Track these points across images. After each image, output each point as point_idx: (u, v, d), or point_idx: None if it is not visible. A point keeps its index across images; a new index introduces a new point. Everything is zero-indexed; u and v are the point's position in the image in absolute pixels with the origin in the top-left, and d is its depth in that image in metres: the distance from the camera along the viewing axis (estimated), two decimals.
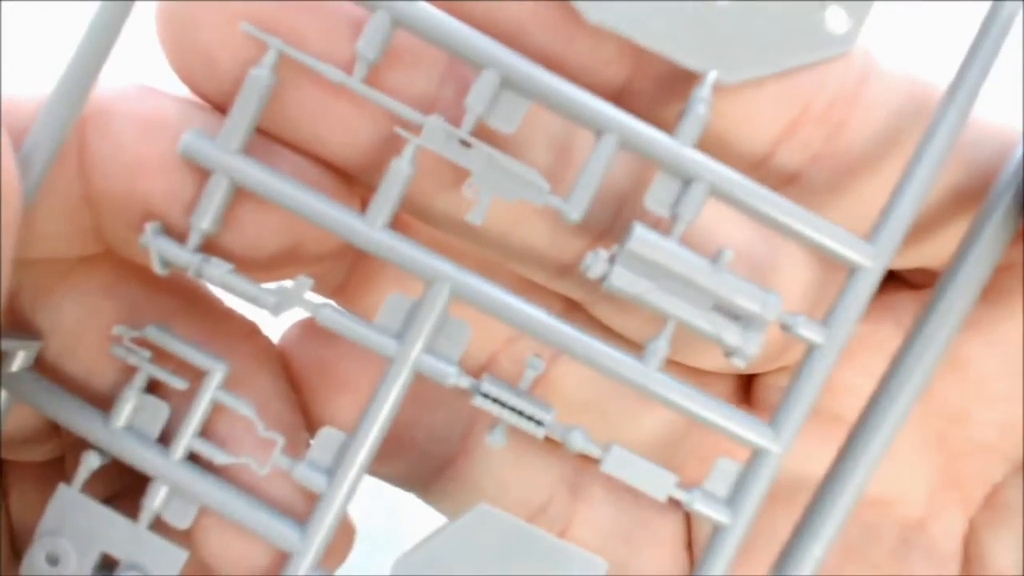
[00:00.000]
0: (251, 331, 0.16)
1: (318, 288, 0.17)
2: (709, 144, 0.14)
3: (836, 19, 0.13)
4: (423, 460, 0.17)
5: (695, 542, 0.18)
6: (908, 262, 0.15)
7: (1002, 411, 0.16)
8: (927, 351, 0.13)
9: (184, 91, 0.14)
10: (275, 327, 0.17)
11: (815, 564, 0.13)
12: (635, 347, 0.16)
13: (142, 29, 0.14)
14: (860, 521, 0.17)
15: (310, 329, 0.17)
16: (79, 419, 0.14)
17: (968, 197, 0.14)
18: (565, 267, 0.15)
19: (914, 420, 0.16)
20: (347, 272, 0.17)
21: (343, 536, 0.15)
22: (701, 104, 0.13)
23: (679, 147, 0.13)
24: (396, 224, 0.14)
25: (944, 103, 0.13)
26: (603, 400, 0.17)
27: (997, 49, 0.13)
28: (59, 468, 0.17)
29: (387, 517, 0.25)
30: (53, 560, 0.14)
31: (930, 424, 0.16)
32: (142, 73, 0.14)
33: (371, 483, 0.17)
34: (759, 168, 0.14)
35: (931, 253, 0.15)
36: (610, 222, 0.15)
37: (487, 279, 0.13)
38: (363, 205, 0.15)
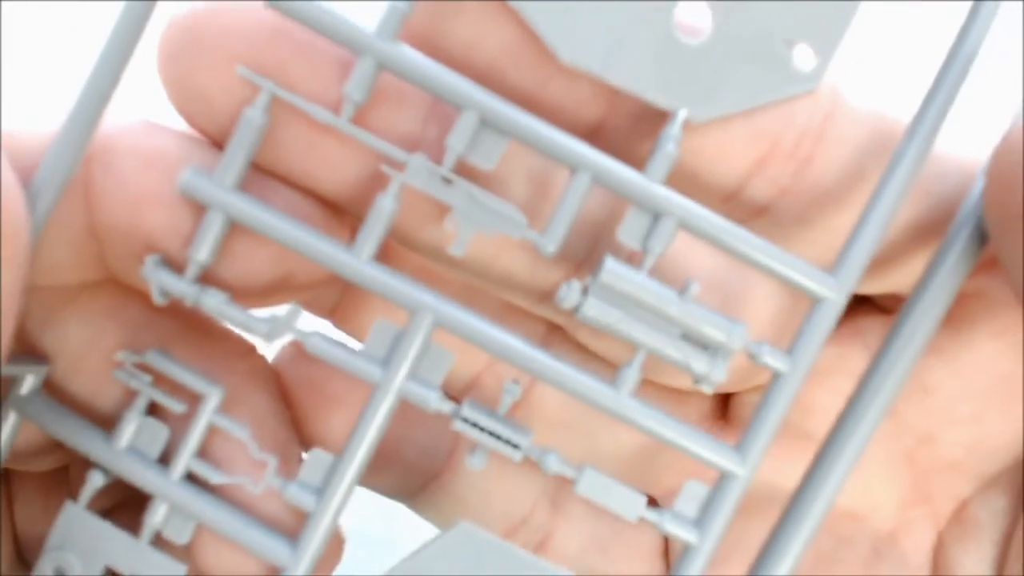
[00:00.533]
0: (247, 350, 0.17)
1: (313, 309, 0.18)
2: (682, 179, 0.15)
3: (803, 57, 0.14)
4: (411, 474, 0.18)
5: (671, 550, 0.18)
6: (876, 288, 0.16)
7: (968, 432, 0.16)
8: (891, 373, 0.14)
9: (184, 125, 0.15)
10: (270, 346, 0.18)
11: (788, 571, 0.14)
12: (613, 367, 0.17)
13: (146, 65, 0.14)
14: (834, 533, 0.17)
15: (303, 349, 0.17)
16: (84, 440, 0.15)
17: (931, 227, 0.15)
18: (545, 294, 0.16)
19: (885, 440, 0.17)
20: (339, 294, 0.18)
21: (333, 548, 0.16)
22: (670, 142, 0.13)
23: (649, 184, 0.13)
24: (384, 250, 0.15)
25: (904, 143, 0.14)
26: (582, 417, 0.18)
27: (957, 88, 0.14)
28: (62, 478, 0.17)
29: (384, 522, 0.26)
30: (60, 574, 0.15)
31: (900, 444, 0.17)
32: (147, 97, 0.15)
33: (359, 502, 0.18)
34: (730, 201, 0.15)
35: (898, 280, 0.16)
36: (587, 253, 0.15)
37: (468, 309, 0.14)
38: (352, 232, 0.16)
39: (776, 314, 0.16)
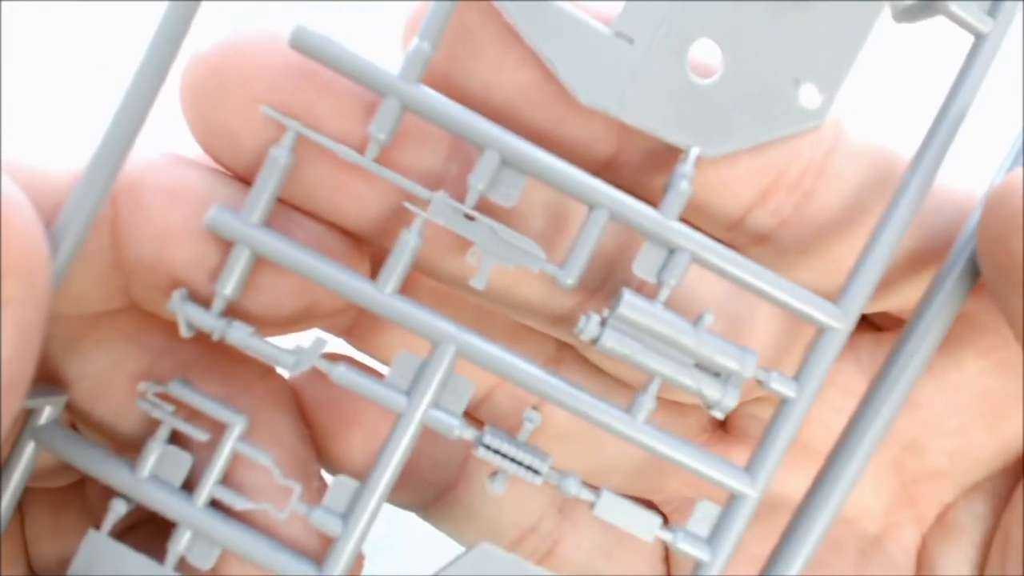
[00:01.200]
0: (266, 371, 0.17)
1: (329, 329, 0.18)
2: (689, 207, 0.15)
3: (809, 96, 0.14)
4: (426, 486, 0.19)
5: (671, 554, 0.19)
6: (873, 308, 0.17)
7: (952, 443, 0.17)
8: (891, 395, 0.15)
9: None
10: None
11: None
12: (619, 382, 0.18)
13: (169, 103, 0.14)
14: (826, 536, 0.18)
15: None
16: (106, 469, 0.15)
17: (925, 256, 0.16)
18: (559, 318, 0.16)
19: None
20: (355, 316, 0.18)
21: (355, 565, 0.16)
22: (684, 180, 0.14)
23: (664, 220, 0.14)
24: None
25: (905, 182, 0.14)
26: (591, 429, 0.18)
27: (955, 132, 0.14)
28: (72, 494, 0.18)
29: (388, 525, 0.27)
30: None
31: (889, 452, 0.18)
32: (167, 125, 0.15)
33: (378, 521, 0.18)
34: (734, 229, 0.15)
35: (892, 302, 0.16)
36: (601, 281, 0.16)
37: (488, 339, 0.14)
38: (373, 261, 0.16)
39: (780, 334, 0.16)
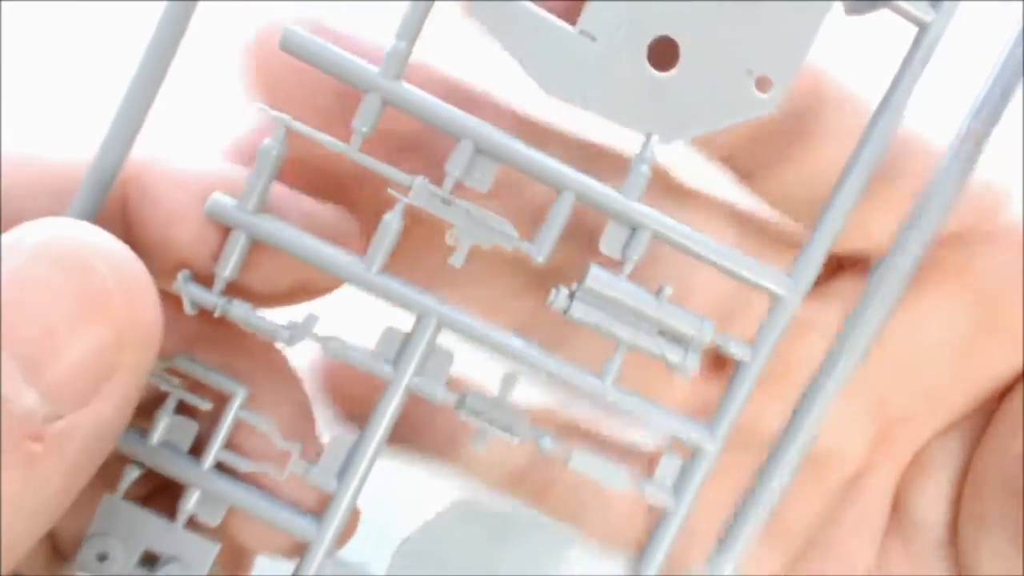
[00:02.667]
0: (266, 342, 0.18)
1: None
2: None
3: (763, 84, 0.16)
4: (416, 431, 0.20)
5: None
6: (844, 249, 0.18)
7: (923, 385, 0.18)
8: (863, 330, 0.16)
9: (210, 148, 0.16)
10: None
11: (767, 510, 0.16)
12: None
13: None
14: (806, 475, 0.19)
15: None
16: (120, 439, 0.16)
17: (892, 201, 0.17)
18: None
19: (853, 389, 0.19)
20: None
21: (351, 521, 0.18)
22: (644, 164, 0.15)
23: (626, 202, 0.15)
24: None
25: (849, 164, 0.15)
26: None
27: (900, 115, 0.16)
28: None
29: (383, 515, 0.28)
30: (102, 557, 0.16)
31: (866, 394, 0.19)
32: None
33: (370, 480, 0.19)
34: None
35: (863, 245, 0.18)
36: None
37: (467, 312, 0.16)
38: (361, 221, 0.17)
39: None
